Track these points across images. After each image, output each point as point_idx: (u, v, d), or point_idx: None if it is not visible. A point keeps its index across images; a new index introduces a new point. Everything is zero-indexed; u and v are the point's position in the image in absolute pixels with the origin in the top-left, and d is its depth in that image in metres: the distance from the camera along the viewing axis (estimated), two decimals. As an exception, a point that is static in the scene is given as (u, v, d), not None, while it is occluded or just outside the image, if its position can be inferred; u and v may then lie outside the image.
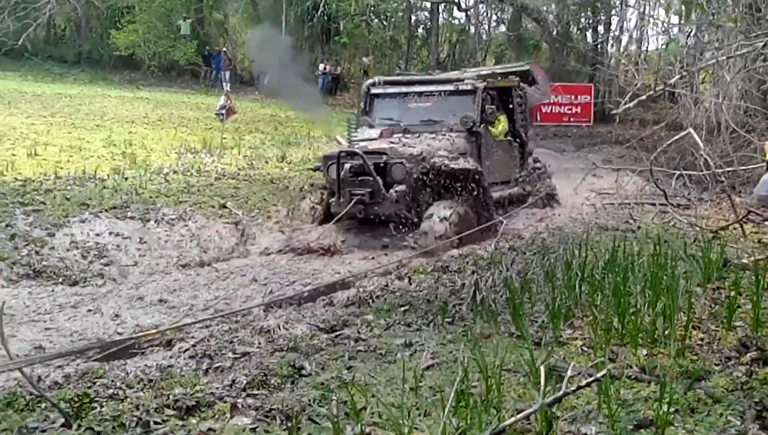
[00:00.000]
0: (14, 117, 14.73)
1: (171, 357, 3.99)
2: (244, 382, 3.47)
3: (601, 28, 27.74)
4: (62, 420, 3.02)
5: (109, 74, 26.93)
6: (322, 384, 3.52)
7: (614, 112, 9.93)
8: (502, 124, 9.59)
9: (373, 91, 9.86)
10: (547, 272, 5.22)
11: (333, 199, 8.51)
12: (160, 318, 5.33)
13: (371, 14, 28.25)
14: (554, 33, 26.06)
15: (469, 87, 9.29)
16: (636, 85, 10.56)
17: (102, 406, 3.13)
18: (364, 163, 8.11)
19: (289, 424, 3.04)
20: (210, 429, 3.04)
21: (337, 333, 4.33)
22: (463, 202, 8.19)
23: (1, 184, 8.59)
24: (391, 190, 8.14)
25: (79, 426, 2.96)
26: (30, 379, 3.12)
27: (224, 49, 28.19)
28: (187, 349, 4.13)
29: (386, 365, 3.85)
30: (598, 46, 26.50)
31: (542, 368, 3.01)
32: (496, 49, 31.74)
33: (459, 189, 8.25)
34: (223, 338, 4.26)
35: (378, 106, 9.79)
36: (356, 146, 8.41)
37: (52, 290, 6.04)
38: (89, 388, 3.37)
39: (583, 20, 28.14)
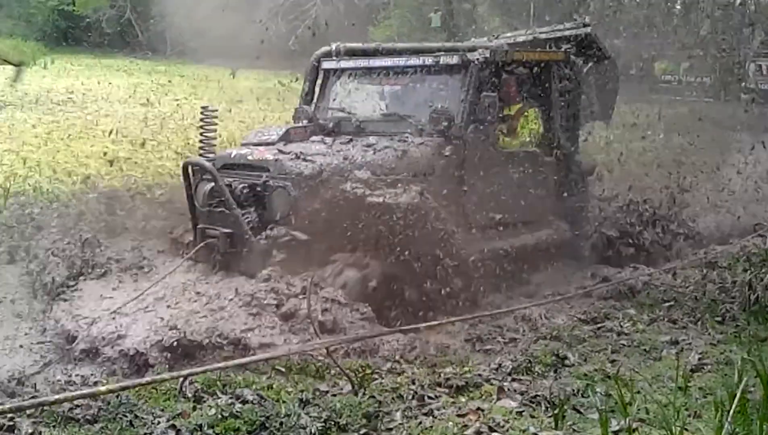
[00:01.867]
0: (287, 112, 16.29)
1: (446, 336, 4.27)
2: (510, 366, 3.63)
3: None
4: (349, 387, 3.38)
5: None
6: (585, 375, 3.57)
7: None
8: (528, 124, 6.09)
9: (326, 65, 6.33)
10: (836, 273, 4.74)
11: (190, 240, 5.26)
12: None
13: (624, -7, 26.96)
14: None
15: (456, 60, 5.58)
16: None
17: (382, 378, 3.46)
18: (216, 184, 4.92)
19: (555, 412, 3.13)
20: (479, 408, 3.23)
21: (599, 325, 4.33)
22: (397, 261, 4.62)
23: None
24: (263, 234, 4.80)
25: (363, 393, 3.31)
26: (331, 354, 3.53)
27: (473, 39, 28.72)
28: (459, 331, 4.40)
29: (650, 362, 3.80)
30: None
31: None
32: (768, 21, 28.61)
33: (393, 238, 4.59)
34: (490, 323, 4.47)
35: (331, 90, 6.33)
36: (233, 154, 5.31)
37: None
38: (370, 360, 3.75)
39: None
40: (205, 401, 3.20)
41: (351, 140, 5.51)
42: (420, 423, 3.09)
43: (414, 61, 5.83)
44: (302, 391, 3.36)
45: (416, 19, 28.93)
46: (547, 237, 5.84)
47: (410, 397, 3.29)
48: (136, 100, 16.01)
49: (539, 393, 3.34)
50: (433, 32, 29.38)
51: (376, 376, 3.51)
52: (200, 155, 5.26)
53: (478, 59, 5.53)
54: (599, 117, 6.89)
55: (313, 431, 2.91)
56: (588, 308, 4.77)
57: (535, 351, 3.84)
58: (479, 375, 3.52)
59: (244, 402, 3.14)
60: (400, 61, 5.94)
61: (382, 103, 5.99)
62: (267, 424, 2.94)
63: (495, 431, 3.03)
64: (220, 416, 2.96)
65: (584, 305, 4.91)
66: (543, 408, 3.24)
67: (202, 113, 5.45)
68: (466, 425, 3.07)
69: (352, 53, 6.31)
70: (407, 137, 5.39)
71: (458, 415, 3.15)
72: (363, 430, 2.99)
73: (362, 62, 6.21)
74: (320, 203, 4.70)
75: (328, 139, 5.58)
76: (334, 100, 6.23)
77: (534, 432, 3.02)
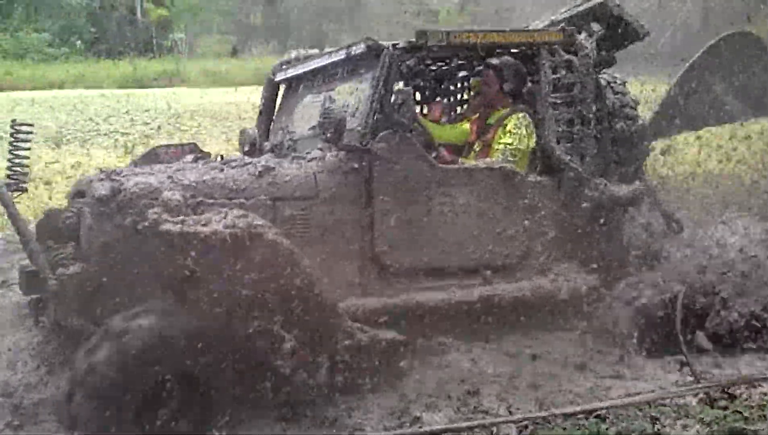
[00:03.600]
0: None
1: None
2: None
3: None
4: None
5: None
6: None
7: None
8: (505, 135, 4.55)
9: (278, 77, 5.34)
10: None
11: None
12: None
13: None
14: None
15: (363, 50, 4.38)
16: None
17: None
18: (6, 208, 4.02)
19: None
20: None
21: None
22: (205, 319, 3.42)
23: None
24: (58, 271, 3.79)
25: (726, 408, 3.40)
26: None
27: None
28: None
29: None
30: None
31: None
32: None
33: (196, 283, 3.47)
34: None
35: (285, 105, 5.35)
36: (83, 179, 4.52)
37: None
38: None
39: None
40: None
41: (223, 158, 4.56)
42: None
43: (335, 57, 4.67)
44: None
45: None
46: (536, 290, 4.33)
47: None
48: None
49: None
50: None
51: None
52: (8, 177, 4.26)
53: (393, 46, 4.30)
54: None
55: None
56: None
57: None
58: None
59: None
60: (323, 60, 4.82)
61: (309, 114, 4.83)
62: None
63: None
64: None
65: None
66: None
67: (12, 127, 4.38)
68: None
69: (309, 59, 5.16)
70: (308, 153, 4.28)
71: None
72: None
73: (303, 68, 5.11)
74: (113, 232, 3.72)
75: (189, 157, 4.59)
76: (284, 116, 5.26)
77: None
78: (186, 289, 3.38)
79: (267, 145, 4.97)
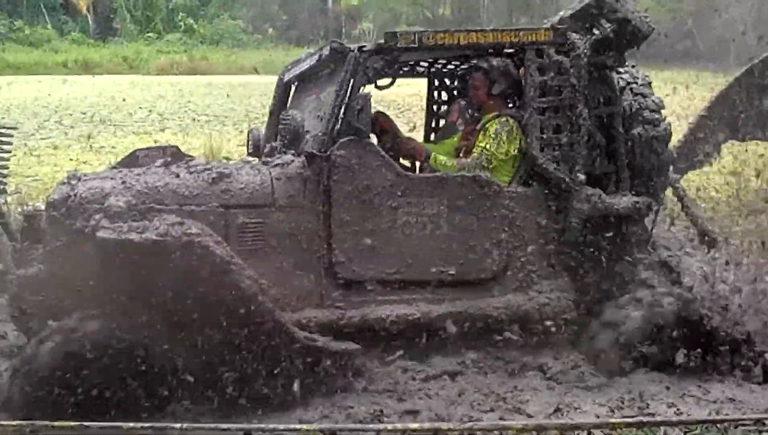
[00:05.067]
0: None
1: None
2: None
3: None
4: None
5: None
6: None
7: None
8: (485, 139, 4.21)
9: (286, 77, 5.02)
10: None
11: None
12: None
13: None
14: None
15: (327, 53, 4.18)
16: None
17: None
18: None
19: None
20: None
21: None
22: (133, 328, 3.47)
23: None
24: (17, 272, 4.09)
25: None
26: None
27: None
28: None
29: None
30: None
31: None
32: None
33: (130, 291, 3.49)
34: None
35: (291, 106, 4.96)
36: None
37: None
38: None
39: None
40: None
41: (187, 163, 4.24)
42: None
43: (313, 60, 4.46)
44: None
45: None
46: (511, 307, 4.06)
47: None
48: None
49: None
50: None
51: None
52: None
53: (359, 48, 4.05)
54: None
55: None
56: None
57: None
58: None
59: None
60: (309, 62, 4.55)
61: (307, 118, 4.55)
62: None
63: None
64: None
65: None
66: None
67: None
68: None
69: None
70: (277, 159, 4.12)
71: None
72: None
73: (298, 69, 4.82)
74: (62, 236, 3.75)
75: (160, 162, 4.34)
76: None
77: None
78: (118, 297, 3.46)
79: (267, 147, 4.77)
